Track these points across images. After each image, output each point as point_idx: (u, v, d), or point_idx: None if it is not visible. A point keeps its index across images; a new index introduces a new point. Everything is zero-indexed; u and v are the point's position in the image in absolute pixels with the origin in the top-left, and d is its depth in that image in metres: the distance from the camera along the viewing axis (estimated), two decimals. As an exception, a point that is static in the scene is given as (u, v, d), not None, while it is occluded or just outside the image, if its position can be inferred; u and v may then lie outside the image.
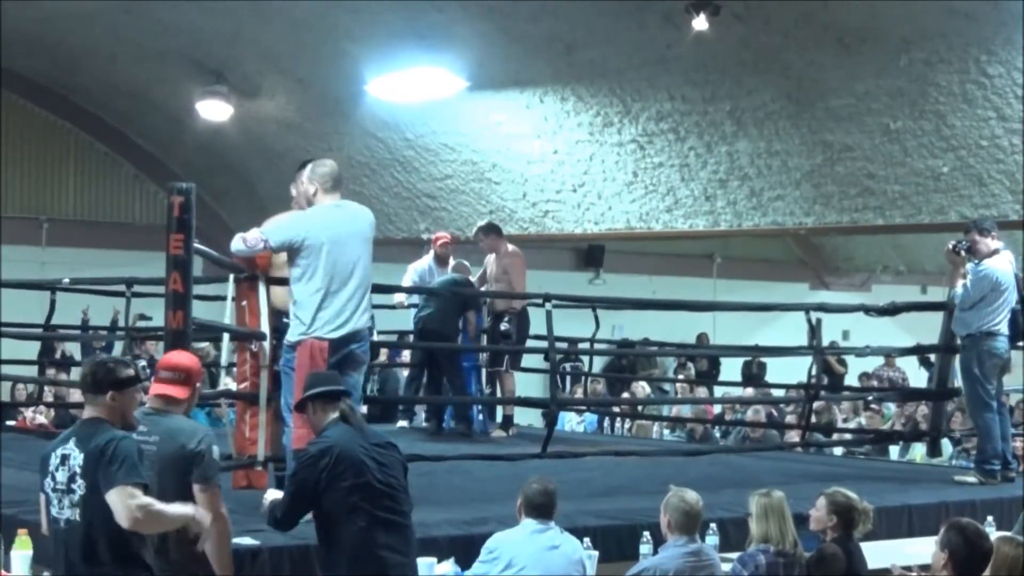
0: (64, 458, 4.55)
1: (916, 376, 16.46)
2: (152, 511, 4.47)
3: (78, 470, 4.50)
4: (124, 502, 4.40)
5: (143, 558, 4.59)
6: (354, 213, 6.56)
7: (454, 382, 10.67)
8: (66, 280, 9.86)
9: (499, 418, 11.24)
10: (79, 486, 4.50)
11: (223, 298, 7.05)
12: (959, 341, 8.98)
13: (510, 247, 10.96)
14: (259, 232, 6.40)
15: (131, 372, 4.72)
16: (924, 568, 5.28)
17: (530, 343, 10.78)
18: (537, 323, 9.41)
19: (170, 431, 4.92)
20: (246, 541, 5.68)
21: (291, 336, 6.36)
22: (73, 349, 14.44)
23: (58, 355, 13.99)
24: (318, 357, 6.11)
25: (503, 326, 10.57)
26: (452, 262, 11.20)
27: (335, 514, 5.14)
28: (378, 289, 8.97)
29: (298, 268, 6.34)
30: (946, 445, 11.01)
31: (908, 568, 5.77)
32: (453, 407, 10.88)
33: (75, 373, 14.05)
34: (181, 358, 5.29)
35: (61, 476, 4.54)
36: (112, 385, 4.62)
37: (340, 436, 5.20)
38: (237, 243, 6.46)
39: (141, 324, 12.24)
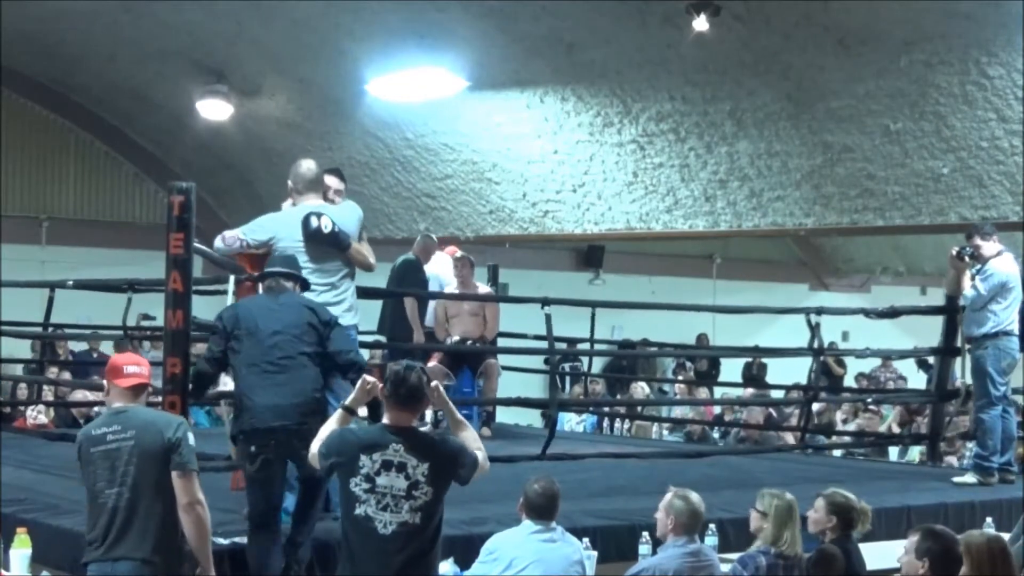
0: (393, 465, 4.79)
1: (914, 376, 16.46)
2: None
3: (422, 478, 4.81)
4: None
5: None
6: (330, 213, 6.63)
7: None
8: (70, 283, 9.85)
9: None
10: (424, 492, 4.81)
11: (222, 293, 7.09)
12: (968, 340, 9.02)
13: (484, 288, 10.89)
14: (239, 231, 6.67)
15: None
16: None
17: (529, 344, 10.76)
18: (536, 323, 9.40)
19: (145, 423, 5.02)
20: (245, 541, 5.68)
21: None
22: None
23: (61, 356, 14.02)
24: None
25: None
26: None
27: (236, 367, 5.90)
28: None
29: None
30: (913, 450, 11.11)
31: None
32: None
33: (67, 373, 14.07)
34: (131, 356, 5.45)
35: (393, 482, 4.79)
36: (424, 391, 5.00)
37: (249, 301, 6.14)
38: (217, 242, 6.73)
39: (145, 324, 12.25)
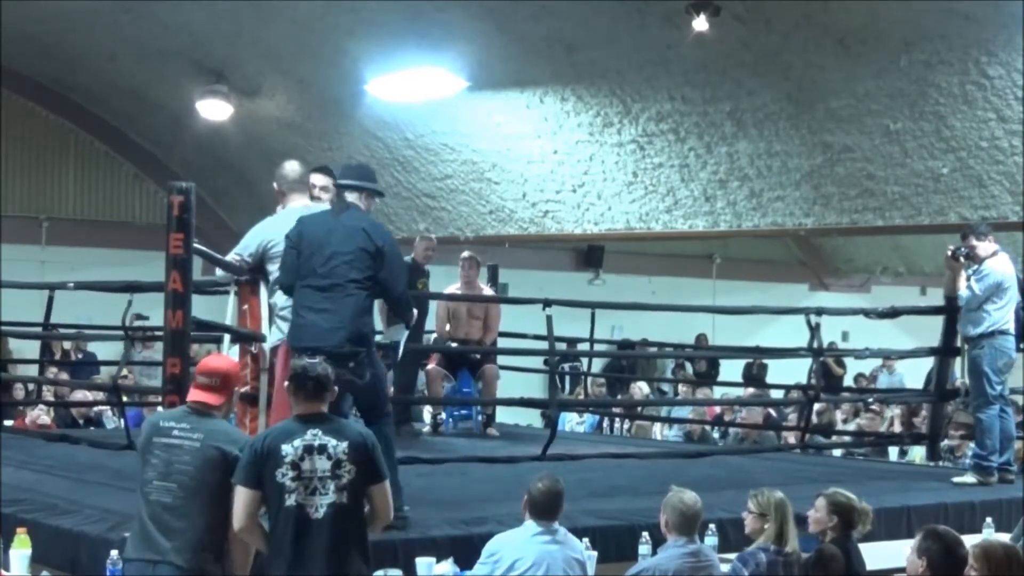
0: (314, 449, 4.82)
1: (914, 375, 16.45)
2: None
3: (343, 456, 4.85)
4: (388, 497, 5.02)
5: None
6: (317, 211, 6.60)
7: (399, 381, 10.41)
8: (71, 284, 9.85)
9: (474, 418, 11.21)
10: (348, 471, 4.85)
11: (224, 293, 7.08)
12: (965, 340, 9.02)
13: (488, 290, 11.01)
14: (232, 253, 6.66)
15: None
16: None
17: (529, 344, 10.75)
18: (536, 323, 9.41)
19: (214, 432, 5.02)
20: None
21: (272, 341, 6.50)
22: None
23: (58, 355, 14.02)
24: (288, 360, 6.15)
25: None
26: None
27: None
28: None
29: (272, 274, 6.51)
30: (917, 450, 11.12)
31: None
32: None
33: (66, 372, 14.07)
34: (219, 362, 5.38)
35: (317, 464, 4.80)
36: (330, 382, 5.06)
37: (315, 217, 6.23)
38: (218, 271, 6.77)
39: (138, 324, 12.23)
